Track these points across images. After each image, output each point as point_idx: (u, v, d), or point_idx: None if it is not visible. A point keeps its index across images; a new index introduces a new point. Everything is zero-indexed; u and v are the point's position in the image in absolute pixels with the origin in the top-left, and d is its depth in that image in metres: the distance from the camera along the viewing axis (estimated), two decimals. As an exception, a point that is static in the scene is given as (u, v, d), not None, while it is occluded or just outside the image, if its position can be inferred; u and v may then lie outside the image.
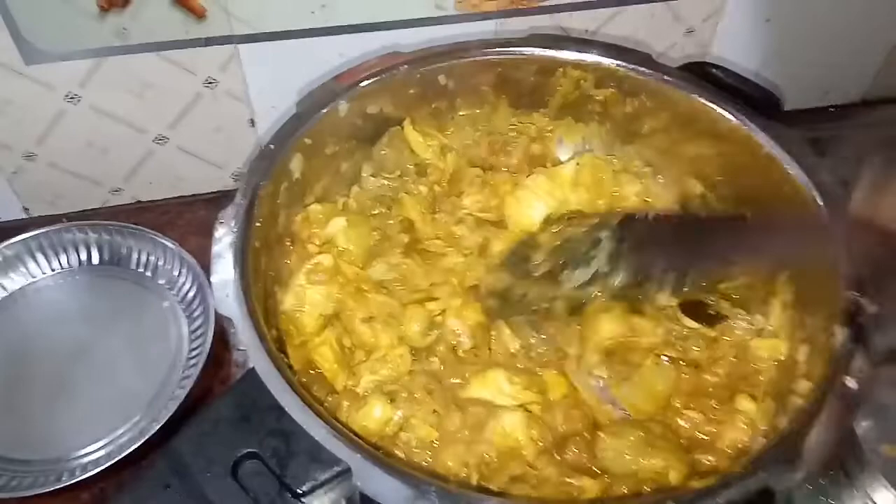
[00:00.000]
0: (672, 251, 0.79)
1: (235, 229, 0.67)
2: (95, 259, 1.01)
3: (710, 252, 0.77)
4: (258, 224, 0.69)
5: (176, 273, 0.99)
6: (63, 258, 1.01)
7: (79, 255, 1.01)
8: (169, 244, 0.99)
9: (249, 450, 0.57)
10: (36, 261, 1.00)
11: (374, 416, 0.65)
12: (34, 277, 1.00)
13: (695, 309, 0.77)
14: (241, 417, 0.59)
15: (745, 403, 0.68)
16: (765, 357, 0.73)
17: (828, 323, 0.65)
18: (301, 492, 0.56)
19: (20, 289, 0.99)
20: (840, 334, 0.63)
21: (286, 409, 0.57)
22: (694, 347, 0.75)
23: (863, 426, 0.79)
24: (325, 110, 0.78)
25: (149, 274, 1.00)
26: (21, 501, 0.79)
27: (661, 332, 0.76)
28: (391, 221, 0.81)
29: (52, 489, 0.78)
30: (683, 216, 0.88)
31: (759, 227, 0.77)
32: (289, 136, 0.75)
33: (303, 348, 0.71)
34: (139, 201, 1.11)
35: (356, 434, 0.59)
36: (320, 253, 0.75)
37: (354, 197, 0.85)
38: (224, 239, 0.66)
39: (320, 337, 0.72)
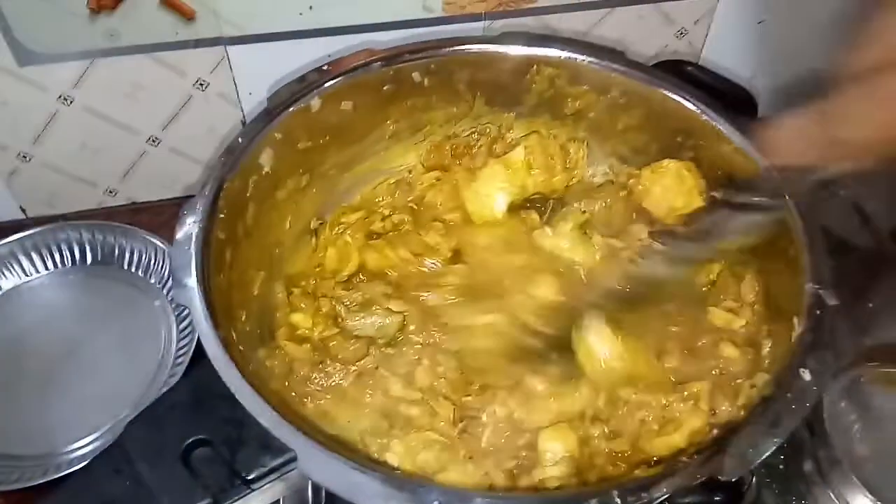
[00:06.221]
0: None
1: (198, 221, 0.67)
2: (89, 258, 1.02)
3: None
4: (222, 216, 0.69)
5: (167, 273, 0.99)
6: (57, 257, 1.02)
7: (73, 255, 1.02)
8: (160, 244, 1.00)
9: (201, 436, 0.57)
10: (31, 259, 1.01)
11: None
12: (28, 276, 1.01)
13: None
14: (195, 404, 0.59)
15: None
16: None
17: (790, 317, 0.65)
18: (250, 478, 0.56)
19: (14, 287, 1.00)
20: (799, 326, 0.63)
21: (236, 395, 0.57)
22: None
23: (839, 423, 0.78)
24: (294, 107, 0.78)
25: (141, 273, 1.01)
26: (7, 496, 0.80)
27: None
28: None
29: (38, 483, 0.79)
30: None
31: None
32: (258, 131, 0.75)
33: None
34: (134, 202, 1.11)
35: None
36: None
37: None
38: (186, 230, 0.66)
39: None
